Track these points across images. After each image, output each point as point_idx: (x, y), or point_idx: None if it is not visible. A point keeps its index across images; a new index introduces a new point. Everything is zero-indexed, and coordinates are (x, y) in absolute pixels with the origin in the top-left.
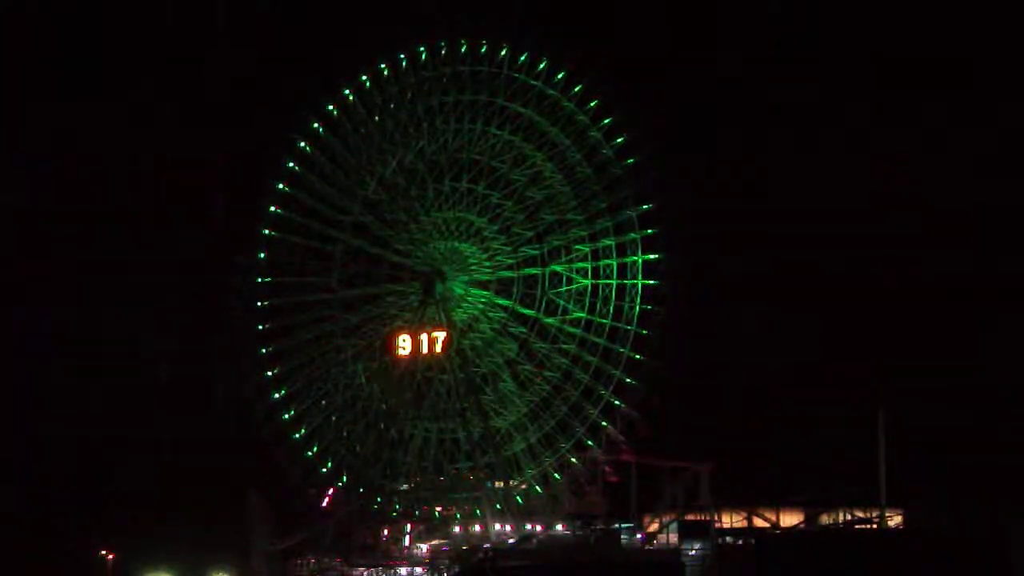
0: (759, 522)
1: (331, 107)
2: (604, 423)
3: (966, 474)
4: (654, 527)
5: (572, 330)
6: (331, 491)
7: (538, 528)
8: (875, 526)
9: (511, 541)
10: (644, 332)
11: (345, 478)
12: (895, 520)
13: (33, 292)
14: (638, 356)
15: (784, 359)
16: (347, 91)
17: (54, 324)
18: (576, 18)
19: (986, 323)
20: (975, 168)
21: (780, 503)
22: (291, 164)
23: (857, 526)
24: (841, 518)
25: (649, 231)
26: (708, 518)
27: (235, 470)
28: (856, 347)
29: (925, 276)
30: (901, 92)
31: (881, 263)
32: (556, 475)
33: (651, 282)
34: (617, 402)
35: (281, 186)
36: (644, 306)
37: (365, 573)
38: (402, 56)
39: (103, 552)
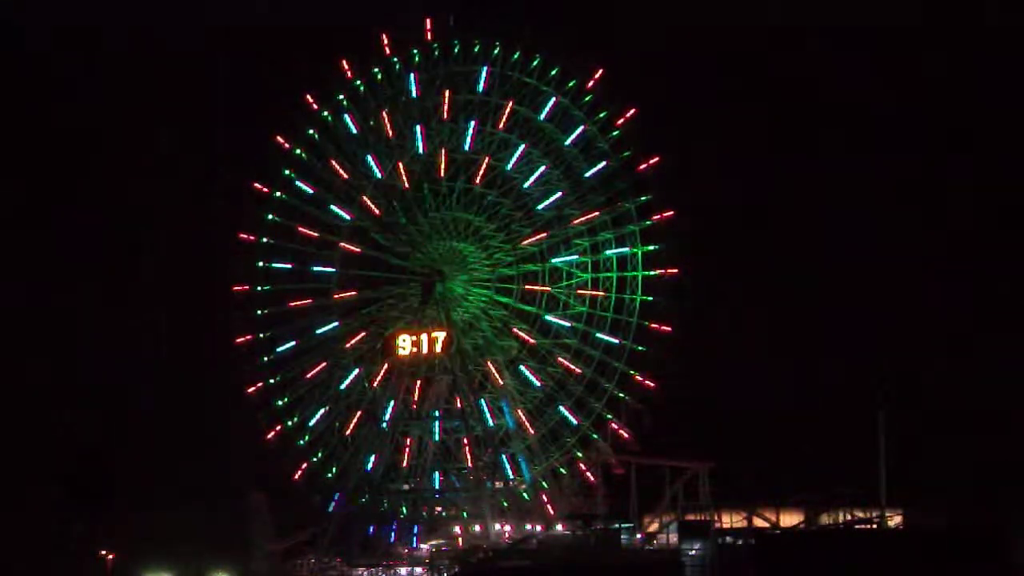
0: (759, 522)
1: (326, 112)
2: (608, 416)
3: (966, 474)
4: (654, 527)
5: (574, 325)
6: (337, 495)
7: (538, 528)
8: (875, 526)
9: (511, 541)
10: (646, 323)
11: (350, 482)
12: (895, 520)
13: (31, 294)
14: (640, 348)
15: (784, 359)
16: (341, 96)
17: (54, 326)
18: (571, 14)
19: (986, 322)
20: (976, 166)
21: (780, 503)
22: (287, 171)
23: (857, 526)
24: (841, 518)
25: (647, 223)
26: (708, 518)
27: (235, 470)
28: (856, 347)
29: (926, 274)
30: (907, 91)
31: (882, 262)
32: (562, 469)
33: (651, 273)
34: (621, 395)
35: (279, 193)
36: (645, 297)
37: (365, 573)
38: (395, 60)
39: (103, 552)
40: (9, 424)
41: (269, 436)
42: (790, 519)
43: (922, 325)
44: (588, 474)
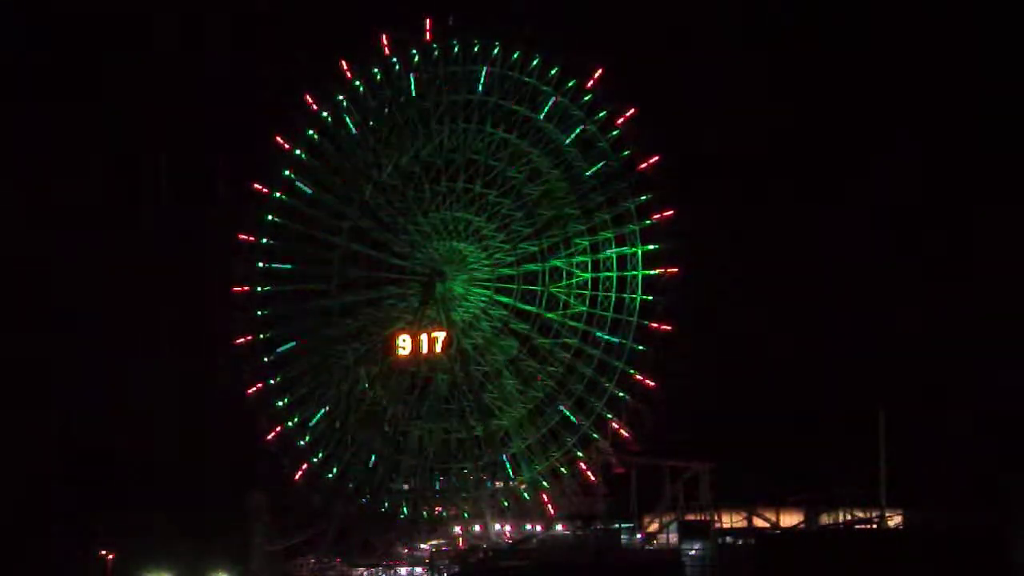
0: (759, 522)
1: (325, 113)
2: (608, 416)
3: (966, 474)
4: (654, 527)
5: (574, 324)
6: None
7: (538, 528)
8: (875, 526)
9: (511, 541)
10: (646, 323)
11: (351, 483)
12: (895, 520)
13: (31, 294)
14: (640, 348)
15: (784, 359)
16: (340, 96)
17: (53, 328)
18: (569, 13)
19: (985, 322)
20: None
21: (780, 503)
22: (287, 172)
23: (857, 526)
24: (841, 518)
25: (647, 222)
26: (708, 518)
27: (235, 470)
28: (856, 347)
29: (924, 274)
30: (907, 95)
31: (882, 261)
32: (562, 469)
33: (651, 272)
34: (621, 394)
35: (278, 195)
36: (645, 297)
37: (365, 573)
38: (395, 60)
39: (103, 552)
40: (10, 424)
41: (269, 436)
42: (790, 519)
43: (921, 325)
44: (588, 474)
